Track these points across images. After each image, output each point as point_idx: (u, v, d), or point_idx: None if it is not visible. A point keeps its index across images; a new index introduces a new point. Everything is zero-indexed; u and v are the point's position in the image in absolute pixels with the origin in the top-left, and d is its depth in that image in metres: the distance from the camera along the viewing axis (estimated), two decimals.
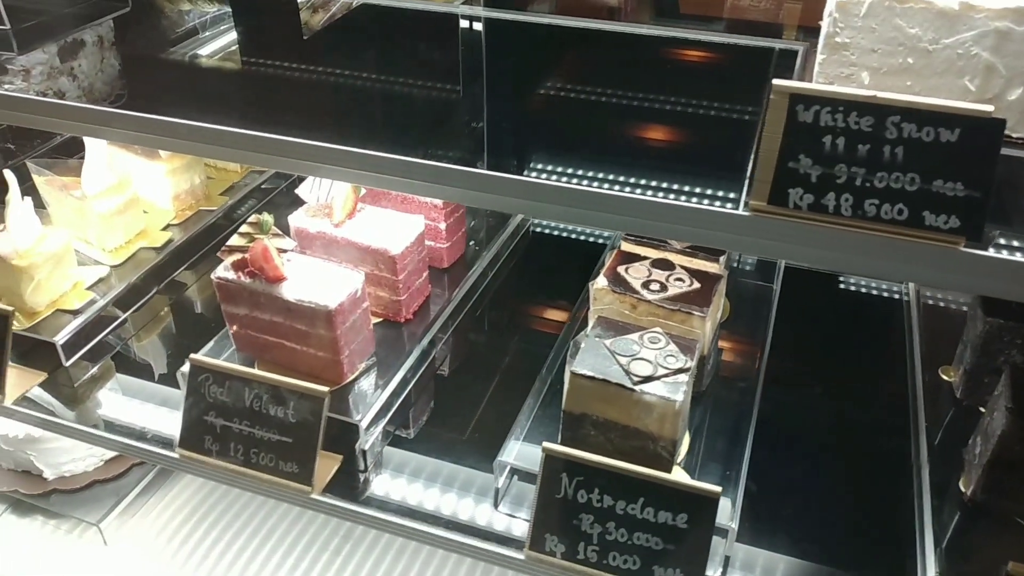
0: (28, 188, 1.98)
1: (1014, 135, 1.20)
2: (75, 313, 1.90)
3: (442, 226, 1.93)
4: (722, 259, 1.65)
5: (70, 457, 2.39)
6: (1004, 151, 0.98)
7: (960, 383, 1.65)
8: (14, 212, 1.84)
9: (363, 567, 2.33)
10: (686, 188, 1.27)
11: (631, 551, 1.29)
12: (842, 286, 2.08)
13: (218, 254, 1.63)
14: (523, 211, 1.25)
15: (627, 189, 1.22)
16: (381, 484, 1.57)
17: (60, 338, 1.82)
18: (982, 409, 1.55)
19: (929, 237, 1.03)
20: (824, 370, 1.83)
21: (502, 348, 1.94)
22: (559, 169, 1.32)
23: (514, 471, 1.55)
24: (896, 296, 2.03)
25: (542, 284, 2.16)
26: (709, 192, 1.25)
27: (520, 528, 1.48)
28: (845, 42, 1.20)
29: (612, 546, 1.30)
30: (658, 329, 1.46)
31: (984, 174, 0.99)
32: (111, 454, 2.47)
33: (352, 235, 1.75)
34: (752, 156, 1.33)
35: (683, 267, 1.62)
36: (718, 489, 1.25)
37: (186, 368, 1.55)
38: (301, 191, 1.80)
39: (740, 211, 1.10)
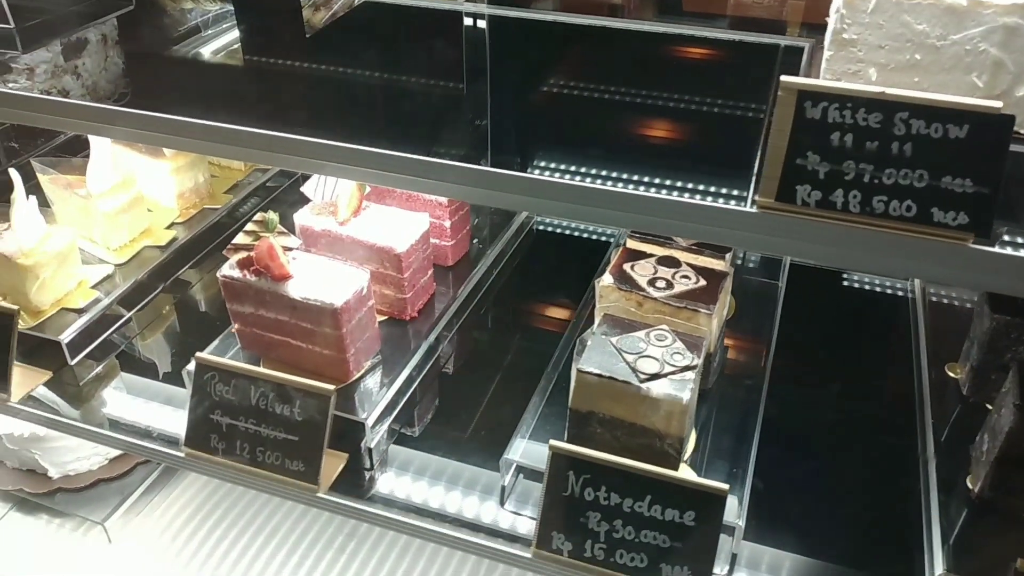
0: (32, 187, 1.98)
1: (1023, 131, 1.19)
2: (80, 312, 1.90)
3: (447, 224, 1.92)
4: (728, 256, 1.65)
5: (75, 456, 2.40)
6: (1013, 147, 0.98)
7: (967, 380, 1.65)
8: (19, 211, 1.84)
9: (368, 565, 2.34)
10: (691, 185, 1.27)
11: (638, 549, 1.29)
12: (847, 283, 2.07)
13: (224, 252, 1.63)
14: (531, 208, 1.25)
15: (630, 186, 1.22)
16: (387, 482, 1.57)
17: (65, 337, 1.82)
18: (989, 406, 1.55)
19: (938, 234, 1.02)
20: (830, 367, 1.83)
21: (507, 346, 1.94)
22: (563, 167, 1.32)
23: (520, 469, 1.54)
24: (901, 293, 2.03)
25: (546, 282, 2.15)
26: (714, 189, 1.25)
27: (526, 526, 1.47)
28: (852, 38, 1.20)
29: (619, 544, 1.30)
30: (664, 327, 1.46)
31: (993, 170, 0.99)
32: (116, 453, 2.47)
33: (357, 233, 1.75)
34: (759, 153, 1.34)
35: (689, 264, 1.62)
36: (725, 487, 1.24)
37: (192, 367, 1.55)
38: (306, 189, 1.79)
39: (748, 208, 1.10)
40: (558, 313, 2.03)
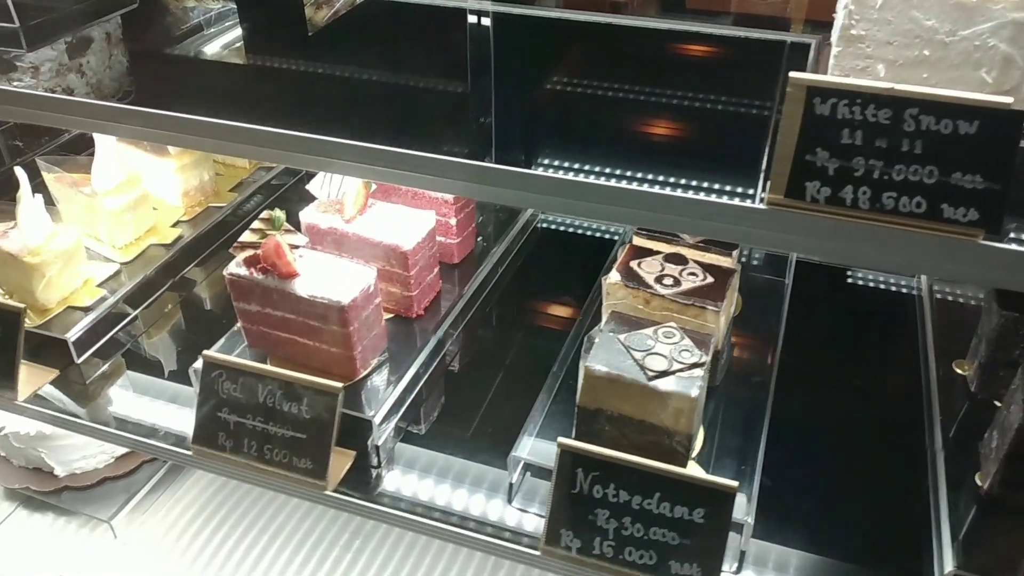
0: (37, 185, 1.98)
1: None
2: (86, 310, 1.90)
3: (452, 222, 1.92)
4: (735, 253, 1.64)
5: (81, 454, 2.40)
6: (1023, 143, 0.97)
7: (975, 377, 1.65)
8: (25, 209, 1.84)
9: (373, 563, 2.34)
10: (696, 182, 1.27)
11: (647, 546, 1.29)
12: (854, 281, 2.07)
13: (230, 250, 1.62)
14: (540, 206, 1.25)
15: (635, 183, 1.22)
16: (394, 480, 1.57)
17: (72, 335, 1.82)
18: (997, 403, 1.55)
19: (947, 230, 1.02)
20: (837, 365, 1.83)
21: (513, 344, 1.94)
22: (567, 164, 1.32)
23: (527, 467, 1.54)
24: (908, 291, 2.03)
25: (552, 280, 2.15)
26: (718, 186, 1.25)
27: (532, 523, 1.47)
28: (861, 35, 1.19)
29: (628, 541, 1.29)
30: (672, 324, 1.45)
31: (1003, 167, 0.98)
32: (122, 451, 2.48)
33: (363, 231, 1.74)
34: (766, 150, 1.34)
35: (696, 261, 1.61)
36: (735, 483, 1.24)
37: (199, 365, 1.55)
38: (312, 187, 1.79)
39: (757, 205, 1.10)
40: (564, 311, 2.03)
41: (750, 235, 1.12)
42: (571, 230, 2.31)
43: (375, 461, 1.60)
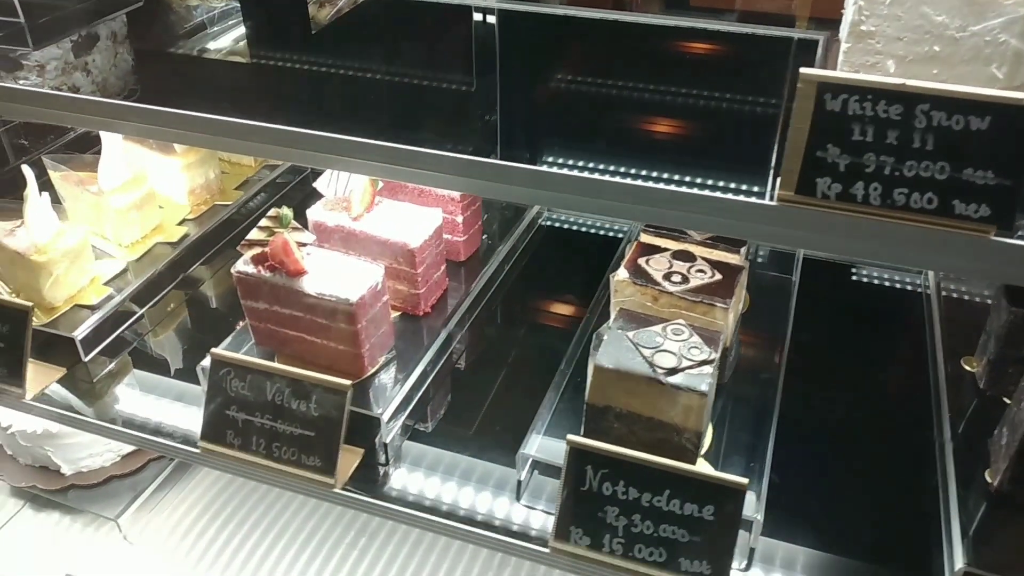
0: (43, 183, 1.98)
1: None
2: (93, 308, 1.90)
3: (459, 219, 1.92)
4: (743, 250, 1.64)
5: (87, 452, 2.40)
6: None
7: (984, 373, 1.64)
8: (32, 208, 1.84)
9: (379, 561, 2.34)
10: (702, 180, 1.26)
11: (657, 543, 1.29)
12: (861, 278, 2.07)
13: (238, 248, 1.62)
14: (552, 203, 1.24)
15: (640, 181, 1.21)
16: (402, 477, 1.57)
17: (79, 333, 1.82)
18: (1006, 399, 1.54)
19: (959, 226, 1.02)
20: (845, 362, 1.82)
21: (520, 341, 1.94)
22: (571, 162, 1.32)
23: (535, 464, 1.54)
24: (915, 288, 2.02)
25: (558, 278, 2.15)
26: (727, 184, 1.24)
27: (540, 520, 1.47)
28: (871, 30, 1.19)
29: (638, 538, 1.29)
30: (681, 321, 1.45)
31: (1014, 162, 0.98)
32: (128, 449, 2.48)
33: (370, 228, 1.74)
34: (775, 146, 1.33)
35: (704, 258, 1.61)
36: (745, 481, 1.24)
37: (207, 362, 1.55)
38: (319, 185, 1.79)
39: (768, 201, 1.09)
40: (570, 309, 2.03)
41: (761, 232, 1.12)
42: (576, 228, 2.30)
43: (383, 459, 1.60)
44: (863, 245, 1.08)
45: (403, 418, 1.65)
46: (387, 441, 1.59)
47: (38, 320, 1.83)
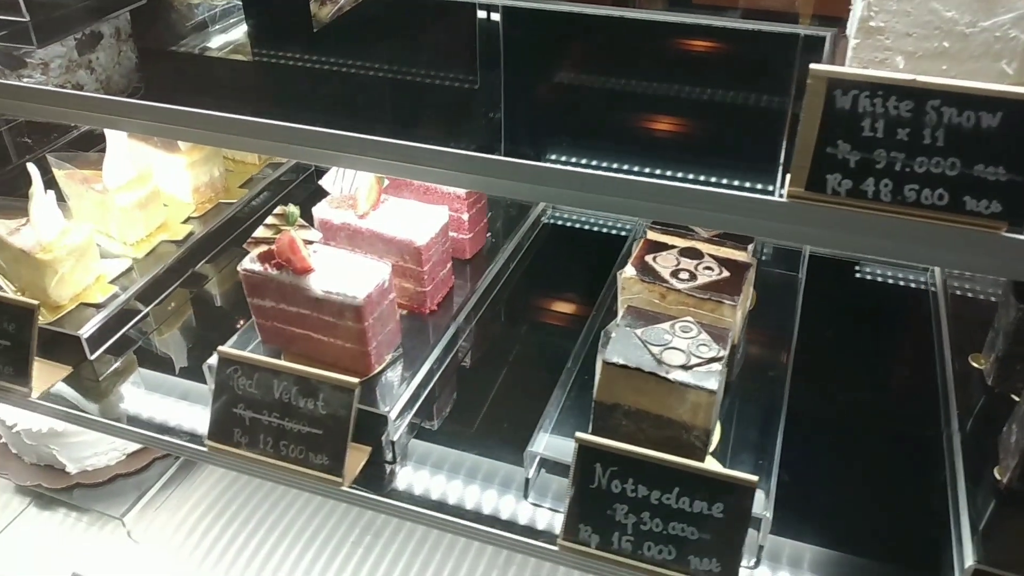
0: (48, 182, 1.97)
1: None
2: (98, 307, 1.90)
3: (465, 217, 1.92)
4: (750, 247, 1.64)
5: (93, 451, 2.40)
6: None
7: (992, 370, 1.64)
8: (37, 206, 1.84)
9: (384, 559, 2.34)
10: (708, 177, 1.26)
11: (666, 541, 1.28)
12: (867, 276, 2.06)
13: (244, 246, 1.62)
14: (560, 200, 1.23)
15: (644, 178, 1.21)
16: (410, 475, 1.57)
17: (85, 332, 1.82)
18: (1015, 396, 1.54)
19: (970, 222, 1.02)
20: (852, 359, 1.82)
21: (526, 339, 1.93)
22: (575, 159, 1.31)
23: (543, 462, 1.54)
24: (920, 286, 2.02)
25: (563, 276, 2.15)
26: (731, 181, 1.24)
27: (548, 519, 1.47)
28: (880, 26, 1.19)
29: (647, 536, 1.29)
30: (689, 318, 1.45)
31: None
32: (133, 448, 2.48)
33: (377, 226, 1.74)
34: (783, 143, 1.33)
35: (711, 256, 1.61)
36: (755, 478, 1.24)
37: (213, 360, 1.55)
38: (325, 182, 1.79)
39: (778, 197, 1.09)
40: (576, 306, 2.03)
41: (771, 228, 1.11)
42: (580, 226, 2.30)
43: (390, 457, 1.60)
44: (873, 242, 1.07)
45: (410, 416, 1.64)
46: (394, 439, 1.58)
47: (44, 318, 1.83)
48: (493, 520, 1.48)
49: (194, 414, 1.73)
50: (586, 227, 2.30)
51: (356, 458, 1.54)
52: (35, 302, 1.73)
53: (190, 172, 2.15)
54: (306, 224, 1.62)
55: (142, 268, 2.02)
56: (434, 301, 1.83)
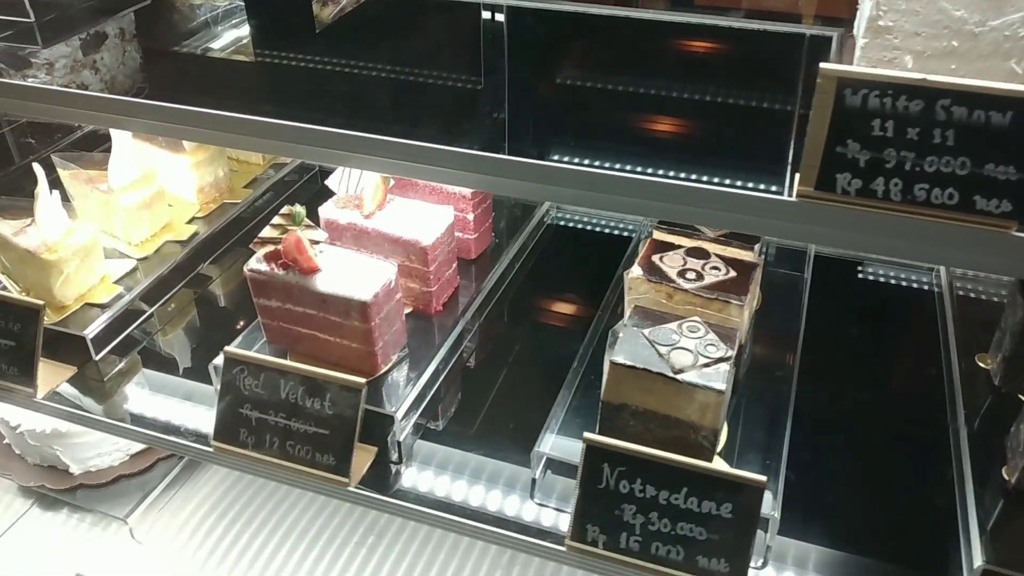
0: (52, 182, 1.97)
1: None
2: (103, 307, 1.90)
3: (470, 217, 1.92)
4: (756, 247, 1.64)
5: (96, 452, 2.40)
6: None
7: (999, 370, 1.64)
8: (42, 206, 1.84)
9: (387, 559, 2.33)
10: (713, 177, 1.26)
11: (674, 541, 1.28)
12: (873, 276, 2.06)
13: (250, 246, 1.62)
14: (567, 200, 1.23)
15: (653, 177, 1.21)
16: (416, 475, 1.57)
17: (90, 332, 1.82)
18: (1022, 396, 1.54)
19: (980, 222, 1.01)
20: (858, 359, 1.82)
21: (532, 339, 1.93)
22: (578, 160, 1.31)
23: (549, 462, 1.54)
24: (925, 286, 2.02)
25: (569, 276, 2.15)
26: (736, 181, 1.24)
27: (554, 519, 1.47)
28: (888, 25, 1.19)
29: (655, 536, 1.29)
30: (697, 318, 1.45)
31: None
32: (136, 448, 2.48)
33: (383, 226, 1.74)
34: (792, 142, 1.33)
35: (718, 255, 1.61)
36: (763, 478, 1.24)
37: (219, 361, 1.55)
38: (330, 182, 1.79)
39: (787, 197, 1.09)
40: (581, 307, 2.03)
41: (780, 228, 1.11)
42: (584, 226, 2.30)
43: (396, 457, 1.59)
44: (883, 241, 1.07)
45: (416, 416, 1.64)
46: (400, 439, 1.58)
47: (48, 319, 1.83)
48: (500, 520, 1.48)
49: (199, 414, 1.72)
50: (590, 227, 2.29)
51: (362, 458, 1.54)
52: (40, 302, 1.72)
53: (195, 172, 2.15)
54: (312, 224, 1.62)
55: (147, 268, 2.02)
56: (440, 301, 1.83)
